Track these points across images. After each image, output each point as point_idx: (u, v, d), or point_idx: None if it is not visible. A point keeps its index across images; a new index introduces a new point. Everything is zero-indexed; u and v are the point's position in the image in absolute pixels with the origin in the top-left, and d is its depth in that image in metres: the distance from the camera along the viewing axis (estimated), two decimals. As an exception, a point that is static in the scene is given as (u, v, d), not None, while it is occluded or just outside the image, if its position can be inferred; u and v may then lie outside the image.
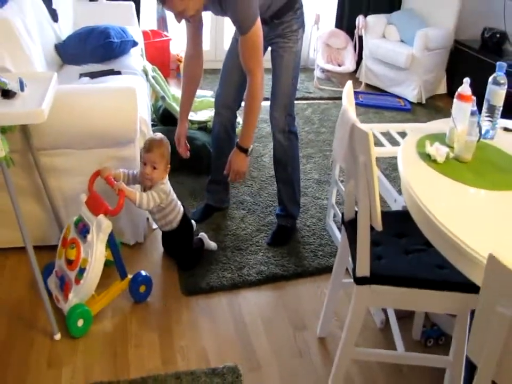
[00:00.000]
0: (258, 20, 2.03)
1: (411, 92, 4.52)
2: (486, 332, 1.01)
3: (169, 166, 2.16)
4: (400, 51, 4.44)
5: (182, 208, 2.28)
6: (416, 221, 1.47)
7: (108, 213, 1.99)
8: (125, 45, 3.14)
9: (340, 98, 4.46)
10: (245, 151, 2.22)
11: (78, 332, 1.98)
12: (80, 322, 1.98)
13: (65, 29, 3.45)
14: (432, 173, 1.56)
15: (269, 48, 2.37)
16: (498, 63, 1.77)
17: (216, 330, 2.08)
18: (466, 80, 1.71)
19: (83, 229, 2.02)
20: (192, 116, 3.25)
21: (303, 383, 1.88)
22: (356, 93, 4.59)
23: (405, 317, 2.16)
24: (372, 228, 1.71)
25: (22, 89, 1.83)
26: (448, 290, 1.54)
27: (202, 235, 2.47)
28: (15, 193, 1.88)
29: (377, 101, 4.48)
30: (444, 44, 4.55)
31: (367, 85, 4.83)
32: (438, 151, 1.59)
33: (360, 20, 4.65)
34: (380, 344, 2.06)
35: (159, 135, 2.20)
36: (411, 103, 4.49)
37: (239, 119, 2.86)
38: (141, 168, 2.15)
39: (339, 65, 4.85)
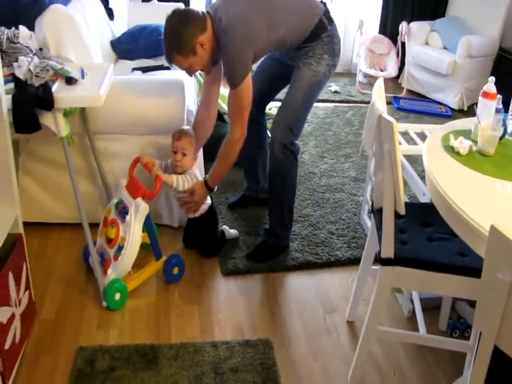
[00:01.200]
0: (249, 77, 2.14)
1: (452, 98, 4.57)
2: (489, 298, 1.14)
3: (197, 155, 2.33)
4: (443, 58, 4.50)
5: (209, 198, 2.43)
6: (438, 207, 1.59)
7: (145, 196, 2.16)
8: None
9: (381, 102, 4.60)
10: (210, 189, 2.35)
11: (115, 304, 2.16)
12: (117, 296, 2.15)
13: (120, 27, 3.76)
14: (455, 163, 1.68)
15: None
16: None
17: (252, 308, 2.24)
18: (491, 79, 1.82)
19: (122, 210, 2.20)
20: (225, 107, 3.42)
21: (330, 359, 2.01)
22: (397, 98, 4.69)
23: (432, 308, 2.26)
24: (399, 216, 1.85)
25: (82, 77, 2.06)
26: (468, 276, 1.64)
27: (224, 227, 2.62)
28: (71, 173, 2.11)
29: (418, 106, 4.56)
30: (488, 51, 4.58)
31: (409, 91, 4.90)
32: (462, 144, 1.71)
33: (403, 26, 4.75)
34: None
35: (187, 127, 2.38)
36: (452, 109, 4.54)
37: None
38: (171, 157, 2.32)
39: (381, 71, 4.95)
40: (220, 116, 3.14)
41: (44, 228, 2.61)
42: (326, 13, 2.30)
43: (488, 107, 1.79)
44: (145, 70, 3.09)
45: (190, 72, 2.22)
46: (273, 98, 2.69)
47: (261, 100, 2.53)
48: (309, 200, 3.02)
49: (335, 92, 4.79)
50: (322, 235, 2.71)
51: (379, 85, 1.79)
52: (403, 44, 4.85)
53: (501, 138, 1.81)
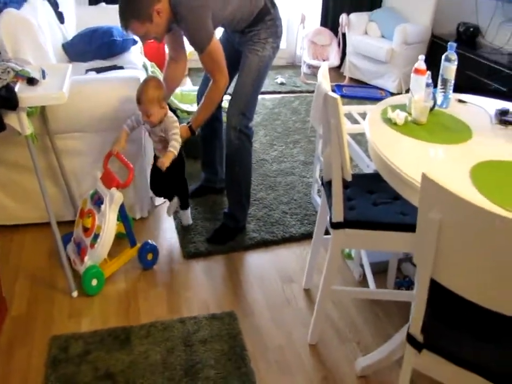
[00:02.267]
0: (214, 37, 2.25)
1: (392, 83, 4.83)
2: (424, 236, 1.30)
3: (165, 104, 2.35)
4: (381, 46, 4.76)
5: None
6: (380, 171, 1.76)
7: (119, 186, 2.28)
8: (126, 43, 3.45)
9: (326, 91, 4.80)
10: (193, 133, 2.45)
11: (92, 290, 2.26)
12: (94, 282, 2.26)
13: (70, 30, 3.79)
14: (393, 133, 1.88)
15: None
16: (449, 43, 2.07)
17: (215, 286, 2.37)
18: (421, 57, 2.01)
19: (98, 201, 2.31)
20: (188, 108, 3.54)
21: (291, 325, 2.17)
22: (340, 86, 4.90)
23: (380, 272, 2.45)
24: (346, 186, 2.01)
25: (43, 77, 2.12)
26: (408, 231, 1.82)
27: (184, 212, 2.74)
28: (37, 171, 2.16)
29: (359, 93, 4.79)
30: (422, 38, 4.86)
31: (351, 79, 5.14)
32: (398, 115, 1.90)
33: (343, 18, 4.98)
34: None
35: (149, 78, 2.39)
36: (392, 93, 4.79)
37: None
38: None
39: (324, 61, 5.16)
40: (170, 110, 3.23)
41: (6, 230, 2.66)
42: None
43: (419, 82, 1.98)
44: (99, 70, 3.13)
45: (145, 39, 2.30)
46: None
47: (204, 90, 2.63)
48: (262, 184, 3.17)
49: (281, 83, 4.97)
50: (277, 215, 2.86)
51: (324, 69, 1.94)
52: (344, 35, 5.08)
53: (432, 109, 2.00)
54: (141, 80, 2.55)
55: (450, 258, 1.29)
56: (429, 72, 2.01)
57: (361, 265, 2.45)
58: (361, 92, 4.82)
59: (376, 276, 2.39)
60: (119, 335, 2.04)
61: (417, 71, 2.00)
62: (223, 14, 2.31)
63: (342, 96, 4.70)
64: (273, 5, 2.44)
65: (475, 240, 1.20)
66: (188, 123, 2.45)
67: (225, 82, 2.37)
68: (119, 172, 2.40)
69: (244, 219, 2.72)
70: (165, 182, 2.57)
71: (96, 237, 2.27)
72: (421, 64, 2.02)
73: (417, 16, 4.91)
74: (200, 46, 2.25)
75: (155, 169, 2.50)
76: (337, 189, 1.80)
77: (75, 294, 2.26)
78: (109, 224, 2.26)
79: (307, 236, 2.69)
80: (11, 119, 2.04)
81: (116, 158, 2.38)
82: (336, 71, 5.34)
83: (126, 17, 2.18)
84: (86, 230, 2.32)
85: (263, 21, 2.39)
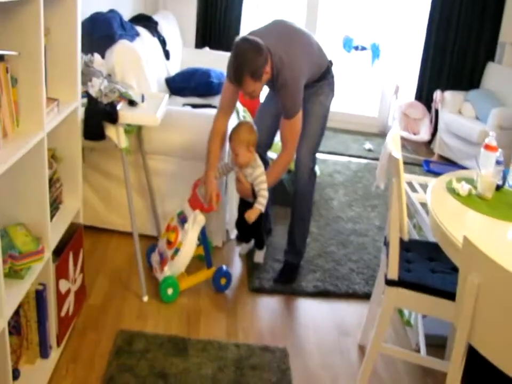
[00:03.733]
0: (301, 110, 2.49)
1: (481, 166, 4.81)
2: (462, 299, 1.41)
3: (252, 148, 2.51)
4: (474, 127, 4.76)
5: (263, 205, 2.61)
6: (437, 238, 1.87)
7: (203, 210, 2.52)
8: (221, 86, 3.79)
9: (412, 163, 4.92)
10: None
11: (167, 298, 2.49)
12: (169, 291, 2.49)
13: (174, 67, 4.32)
14: (454, 202, 1.96)
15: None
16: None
17: (272, 321, 2.50)
18: (493, 134, 2.14)
19: (183, 219, 2.57)
20: (273, 155, 3.80)
21: (339, 373, 2.23)
22: (428, 161, 4.98)
23: (438, 345, 2.40)
24: (407, 250, 2.12)
25: (142, 101, 2.46)
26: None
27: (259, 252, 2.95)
28: (127, 182, 2.45)
29: (446, 171, 4.81)
30: (519, 124, 4.84)
31: (440, 156, 5.18)
32: (462, 186, 2.01)
33: (437, 94, 5.10)
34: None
35: (243, 122, 2.61)
36: (479, 176, 4.78)
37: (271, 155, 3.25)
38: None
39: (415, 134, 5.29)
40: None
41: (95, 231, 2.97)
42: (330, 60, 2.74)
43: (489, 158, 2.08)
44: (194, 106, 3.52)
45: (251, 95, 2.47)
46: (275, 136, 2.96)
47: (266, 140, 2.86)
48: (334, 239, 3.31)
49: (369, 150, 5.14)
50: (344, 270, 2.97)
51: (394, 132, 2.12)
52: (436, 111, 5.19)
53: (501, 187, 2.10)
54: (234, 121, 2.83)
55: (487, 324, 1.34)
56: (500, 150, 2.12)
57: (419, 334, 2.49)
58: (448, 170, 4.85)
59: (434, 349, 2.36)
60: (177, 342, 2.22)
61: (488, 147, 2.11)
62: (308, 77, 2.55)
63: (428, 171, 4.77)
64: (332, 64, 2.74)
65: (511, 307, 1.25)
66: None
67: (290, 159, 2.61)
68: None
69: (304, 252, 2.91)
70: (247, 227, 2.73)
71: (177, 250, 2.50)
72: (491, 140, 2.13)
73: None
74: (291, 112, 2.48)
75: (241, 214, 2.67)
76: (394, 247, 1.93)
77: (145, 298, 2.49)
78: (189, 241, 2.49)
79: (370, 296, 2.76)
80: (111, 132, 2.35)
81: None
82: (426, 147, 5.42)
83: (242, 73, 2.32)
84: (169, 243, 2.56)
85: (326, 78, 2.68)
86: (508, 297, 1.26)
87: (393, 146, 1.95)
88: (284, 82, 2.43)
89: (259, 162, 2.58)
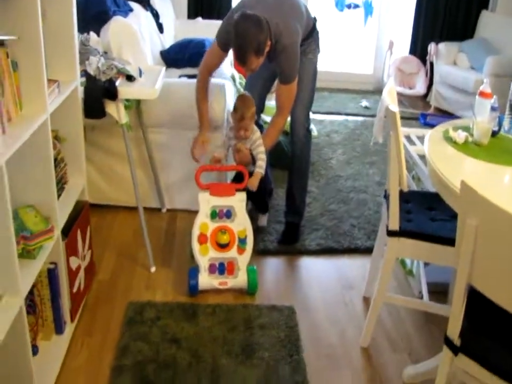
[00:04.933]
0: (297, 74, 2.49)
1: (478, 115, 4.81)
2: (462, 241, 1.43)
3: (255, 116, 2.54)
4: (469, 77, 4.75)
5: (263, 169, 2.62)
6: (435, 185, 1.89)
7: (238, 188, 2.46)
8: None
9: (410, 118, 4.90)
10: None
11: (256, 287, 2.40)
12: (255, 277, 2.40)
13: (168, 40, 4.27)
14: (451, 151, 1.99)
15: None
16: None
17: (278, 281, 2.56)
18: (486, 81, 2.13)
19: (225, 213, 2.43)
20: (266, 118, 3.79)
21: (345, 327, 2.30)
22: (424, 115, 4.96)
23: (439, 292, 2.47)
24: (407, 201, 2.14)
25: (140, 76, 2.45)
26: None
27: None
28: (130, 157, 2.47)
29: (441, 122, 4.80)
30: (513, 71, 4.81)
31: (437, 108, 5.17)
32: (459, 135, 2.02)
33: (432, 47, 5.05)
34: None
35: (246, 96, 2.55)
36: (477, 126, 4.78)
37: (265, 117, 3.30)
38: (234, 130, 2.57)
39: (410, 89, 5.25)
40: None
41: (99, 208, 3.00)
42: (314, 17, 2.73)
43: (484, 105, 2.09)
44: (190, 76, 3.50)
45: (253, 70, 2.42)
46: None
47: (259, 105, 2.84)
48: (334, 198, 3.34)
49: (365, 107, 5.12)
50: (345, 227, 3.01)
51: (390, 86, 2.12)
52: (431, 64, 5.14)
53: (496, 133, 2.10)
54: (225, 87, 2.82)
55: (485, 264, 1.38)
56: (495, 96, 2.12)
57: (421, 283, 2.54)
58: (445, 122, 4.84)
59: (436, 296, 2.42)
60: (187, 308, 2.28)
61: (482, 94, 2.11)
62: None
63: (425, 124, 4.76)
64: (316, 20, 2.72)
65: (509, 248, 1.28)
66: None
67: (287, 118, 2.61)
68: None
69: (304, 212, 2.94)
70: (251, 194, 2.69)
71: (243, 241, 2.41)
72: (485, 87, 2.13)
73: (510, 48, 4.84)
74: (290, 77, 2.48)
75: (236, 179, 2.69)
76: (394, 198, 1.95)
77: (153, 269, 2.55)
78: (248, 221, 2.44)
79: (372, 250, 2.81)
80: (111, 108, 2.36)
81: (221, 171, 2.66)
82: (422, 100, 5.40)
83: (246, 52, 2.29)
84: (224, 246, 2.40)
85: (312, 35, 2.67)
86: (505, 237, 1.29)
87: (389, 100, 1.94)
88: (282, 49, 2.43)
89: (255, 127, 2.59)
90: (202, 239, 2.41)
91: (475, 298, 1.54)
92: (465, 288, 1.48)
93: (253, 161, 2.57)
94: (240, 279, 2.40)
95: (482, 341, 1.57)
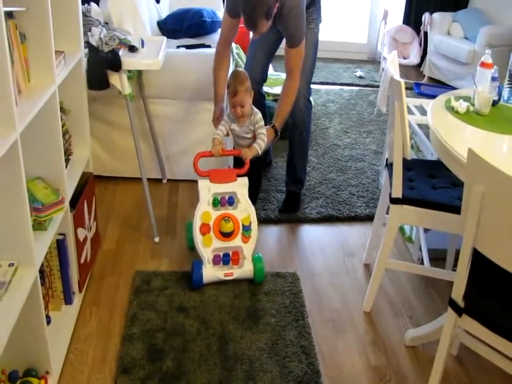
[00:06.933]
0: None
1: (472, 85, 4.83)
2: (468, 207, 1.48)
3: (252, 92, 2.41)
4: (463, 47, 4.75)
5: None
6: (439, 154, 1.93)
7: (239, 174, 2.37)
8: (214, 24, 3.76)
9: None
10: (276, 131, 2.56)
11: (263, 275, 2.32)
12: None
13: (164, 10, 4.18)
14: (454, 120, 2.02)
15: None
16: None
17: (281, 249, 2.61)
18: (488, 51, 2.15)
19: (228, 200, 2.33)
20: (268, 90, 3.80)
21: (348, 292, 2.36)
22: (418, 84, 4.98)
23: (438, 258, 2.52)
24: (408, 169, 2.18)
25: (142, 46, 2.43)
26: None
27: None
28: (133, 127, 2.47)
29: (437, 92, 4.81)
30: (508, 41, 4.79)
31: (431, 78, 5.18)
32: (460, 104, 2.05)
33: (426, 16, 5.03)
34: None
35: (238, 71, 2.45)
36: (471, 95, 4.81)
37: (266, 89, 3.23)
38: (230, 110, 2.47)
39: (404, 58, 5.25)
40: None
41: (101, 180, 3.00)
42: None
43: (484, 75, 2.11)
44: (188, 47, 3.48)
45: (261, 33, 2.40)
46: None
47: (262, 75, 2.84)
48: (333, 167, 3.38)
49: (360, 77, 5.12)
50: (344, 195, 3.06)
51: (393, 56, 2.14)
52: (425, 34, 5.13)
53: (496, 103, 2.14)
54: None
55: (491, 229, 1.43)
56: (496, 67, 2.15)
57: (421, 250, 2.60)
58: (439, 92, 4.85)
59: (434, 262, 2.48)
60: (193, 278, 2.32)
61: (483, 65, 2.13)
62: None
63: (419, 94, 4.78)
64: None
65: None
66: (270, 123, 2.57)
67: (298, 84, 2.56)
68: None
69: (305, 180, 2.97)
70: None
71: (247, 228, 2.32)
72: (487, 58, 2.15)
73: (504, 19, 4.84)
74: (298, 40, 2.46)
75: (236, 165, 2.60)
76: (397, 166, 1.98)
77: (157, 239, 2.57)
78: (252, 208, 2.35)
79: (371, 218, 2.81)
80: (114, 79, 2.36)
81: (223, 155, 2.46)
82: (416, 70, 5.40)
83: (257, 18, 2.27)
84: (228, 235, 2.29)
85: (314, 4, 2.67)
86: (510, 202, 1.33)
87: (393, 70, 1.97)
88: (289, 11, 2.40)
89: (255, 109, 2.47)
90: (204, 229, 2.29)
91: (479, 262, 1.59)
92: (471, 252, 1.53)
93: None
94: (246, 269, 2.30)
95: (485, 302, 1.62)
